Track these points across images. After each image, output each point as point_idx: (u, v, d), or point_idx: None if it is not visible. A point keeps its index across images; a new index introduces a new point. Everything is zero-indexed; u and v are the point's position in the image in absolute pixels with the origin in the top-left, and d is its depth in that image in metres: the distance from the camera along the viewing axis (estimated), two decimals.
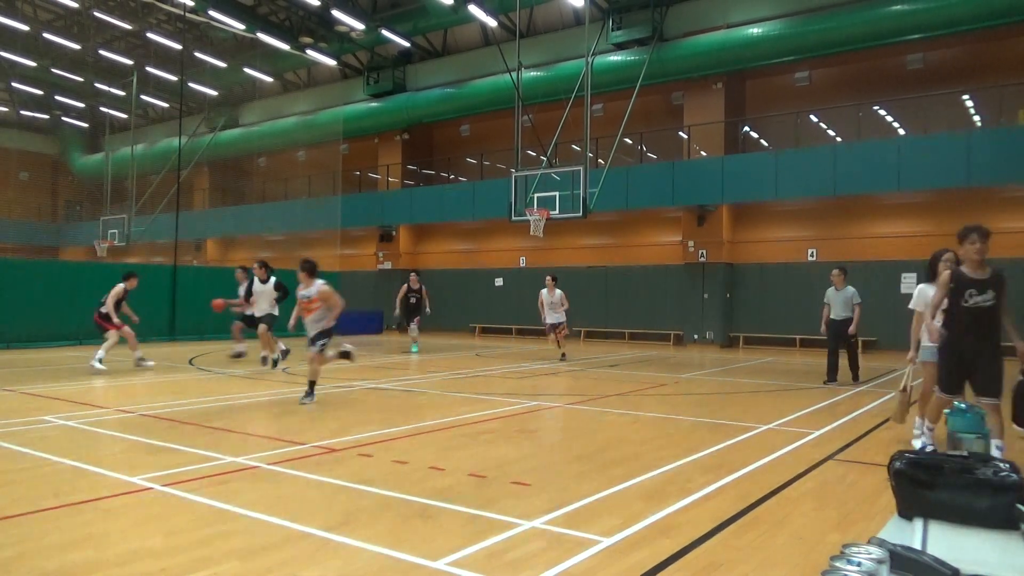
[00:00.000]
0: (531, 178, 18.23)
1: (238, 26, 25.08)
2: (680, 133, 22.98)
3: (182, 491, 4.88)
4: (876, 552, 3.04)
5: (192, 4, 24.16)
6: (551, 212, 17.71)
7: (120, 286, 12.64)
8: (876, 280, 19.14)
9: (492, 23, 22.59)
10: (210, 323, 20.31)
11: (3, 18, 27.39)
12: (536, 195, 18.03)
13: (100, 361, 12.01)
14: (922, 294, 6.61)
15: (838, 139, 21.55)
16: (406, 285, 17.09)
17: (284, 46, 26.30)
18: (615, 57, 22.18)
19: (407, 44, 26.01)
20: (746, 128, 22.64)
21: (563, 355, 15.59)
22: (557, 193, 17.77)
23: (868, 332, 19.13)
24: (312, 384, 8.99)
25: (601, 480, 5.33)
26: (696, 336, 21.70)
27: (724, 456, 6.23)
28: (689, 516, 4.49)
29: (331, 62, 27.73)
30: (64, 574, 3.46)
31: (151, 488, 4.96)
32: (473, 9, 21.53)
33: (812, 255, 20.61)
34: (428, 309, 17.19)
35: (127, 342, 12.88)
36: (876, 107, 20.84)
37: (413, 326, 17.33)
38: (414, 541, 3.96)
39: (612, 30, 22.02)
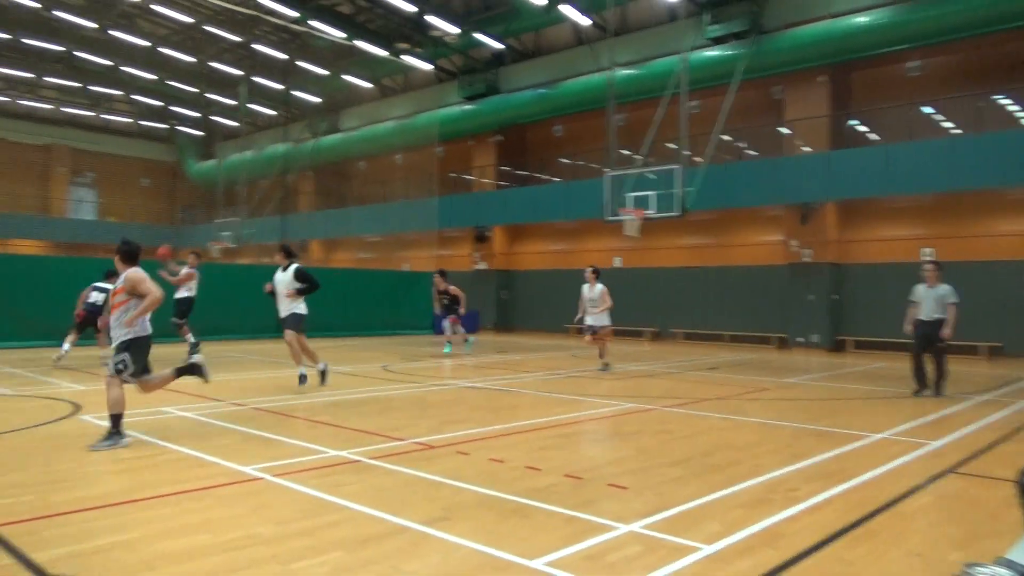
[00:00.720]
0: (625, 178, 18.02)
1: (338, 35, 25.97)
2: (780, 129, 22.19)
3: (290, 481, 5.08)
4: (1003, 573, 2.84)
5: (296, 15, 25.19)
6: (646, 212, 17.45)
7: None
8: (1000, 281, 17.89)
9: (585, 22, 22.49)
10: (319, 321, 21.14)
11: (126, 35, 29.42)
12: (631, 194, 17.80)
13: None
14: None
15: (955, 131, 20.25)
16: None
17: (381, 52, 27.04)
18: (711, 52, 21.63)
19: (500, 46, 26.24)
20: (853, 121, 21.61)
21: (605, 364, 13.31)
22: (652, 192, 17.48)
23: (993, 337, 17.95)
24: (116, 419, 6.23)
25: (701, 485, 5.20)
26: (800, 339, 20.87)
27: (832, 465, 5.96)
28: (796, 526, 4.31)
29: (426, 66, 28.31)
30: (185, 556, 3.67)
31: (262, 478, 5.19)
32: (565, 9, 21.50)
33: (928, 255, 19.45)
34: (461, 311, 16.49)
35: (98, 341, 12.91)
36: (999, 96, 19.45)
37: (445, 323, 16.68)
38: (511, 539, 3.98)
39: (708, 25, 21.49)
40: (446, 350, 16.37)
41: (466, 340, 17.18)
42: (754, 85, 21.81)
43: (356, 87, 32.51)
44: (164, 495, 4.73)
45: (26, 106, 38.51)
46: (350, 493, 4.81)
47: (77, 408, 8.06)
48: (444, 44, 27.22)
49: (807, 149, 21.16)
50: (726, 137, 22.19)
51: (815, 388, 11.46)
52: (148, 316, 6.52)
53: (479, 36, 25.11)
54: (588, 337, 13.22)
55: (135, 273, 6.53)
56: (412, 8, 24.29)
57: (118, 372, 6.33)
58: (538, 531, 4.14)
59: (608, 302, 13.07)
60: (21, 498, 4.61)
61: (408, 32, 27.31)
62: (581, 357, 16.68)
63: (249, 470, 5.39)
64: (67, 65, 34.38)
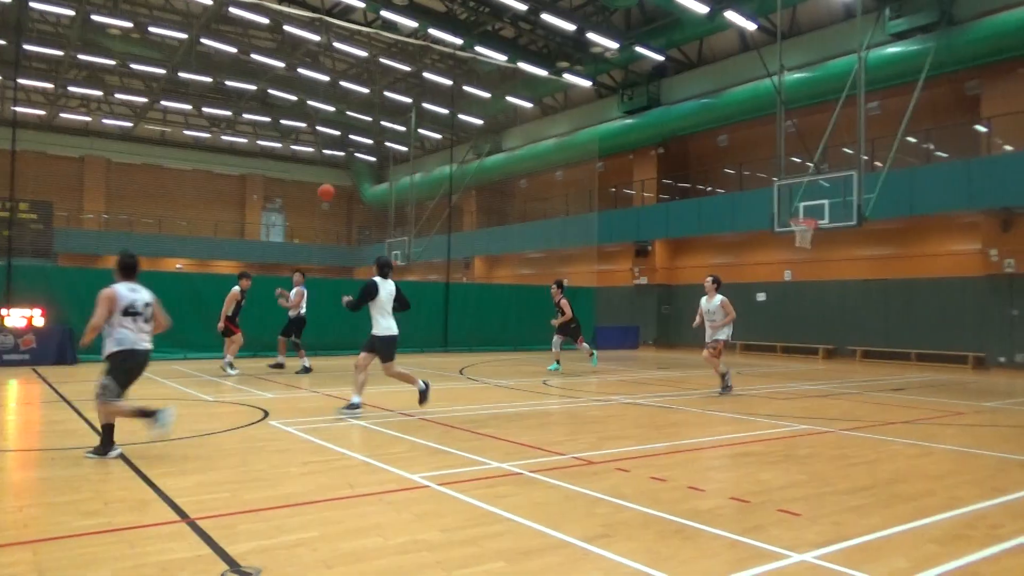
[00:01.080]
0: (796, 186, 17.09)
1: (501, 58, 26.76)
2: (976, 127, 20.13)
3: (454, 491, 5.24)
4: None
5: (461, 42, 26.26)
6: (819, 222, 16.42)
7: (235, 289, 12.96)
8: None
9: (751, 27, 21.68)
10: (481, 336, 21.80)
11: (310, 72, 32.03)
12: (802, 204, 16.84)
13: (231, 365, 13.09)
14: None
15: None
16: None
17: (543, 72, 27.52)
18: (893, 48, 20.09)
19: (661, 58, 25.85)
20: None
21: (726, 386, 11.89)
22: (826, 201, 16.43)
23: None
24: (144, 414, 6.10)
25: (884, 516, 4.77)
26: (1003, 359, 18.72)
27: None
28: (999, 568, 3.84)
29: (587, 83, 28.47)
30: (357, 557, 3.87)
31: (428, 486, 5.39)
32: (730, 15, 20.84)
33: None
34: (556, 322, 15.73)
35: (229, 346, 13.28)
36: None
37: (555, 339, 15.86)
38: (674, 561, 3.85)
39: (889, 19, 19.97)
40: (551, 367, 15.38)
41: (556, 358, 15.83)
42: (943, 81, 19.99)
43: (518, 107, 33.30)
44: (340, 498, 5.04)
45: (226, 141, 42.96)
46: (511, 505, 4.88)
47: (266, 414, 8.79)
48: (604, 60, 27.25)
49: (1009, 148, 19.05)
50: (911, 139, 20.46)
51: (1022, 414, 10.21)
52: (126, 330, 6.07)
53: (640, 49, 24.90)
54: (707, 352, 12.00)
55: (104, 290, 6.07)
56: (572, 27, 24.56)
57: (97, 396, 6.07)
58: (702, 554, 3.98)
59: (730, 314, 11.68)
60: (219, 494, 5.09)
61: (568, 50, 27.63)
62: (747, 375, 15.94)
63: (416, 478, 5.62)
64: (260, 102, 37.98)
